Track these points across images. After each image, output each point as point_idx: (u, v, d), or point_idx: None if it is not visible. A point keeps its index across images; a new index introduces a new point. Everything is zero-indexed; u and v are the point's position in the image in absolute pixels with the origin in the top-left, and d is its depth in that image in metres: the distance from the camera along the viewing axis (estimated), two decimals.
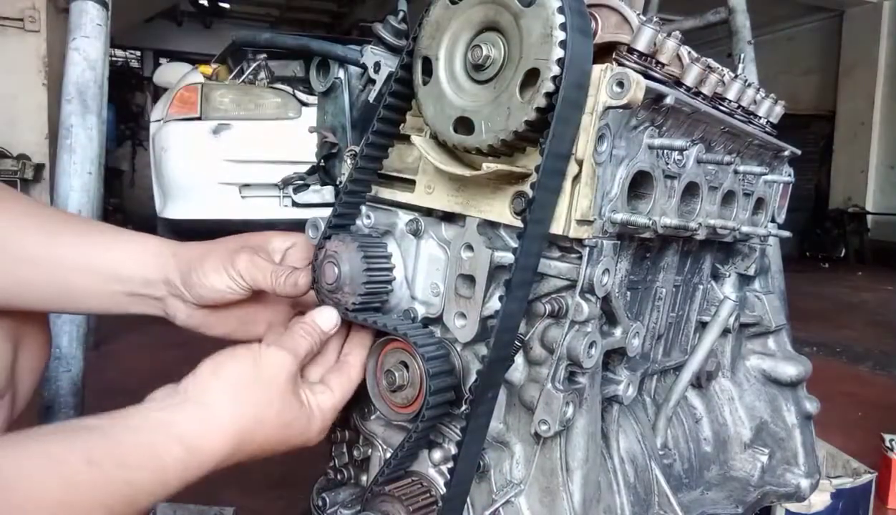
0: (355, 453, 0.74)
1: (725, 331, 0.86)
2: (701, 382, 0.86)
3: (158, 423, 0.55)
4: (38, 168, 4.10)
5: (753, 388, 0.89)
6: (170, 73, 3.92)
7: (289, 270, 0.69)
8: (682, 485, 0.78)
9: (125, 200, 8.07)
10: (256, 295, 0.72)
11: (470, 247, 0.63)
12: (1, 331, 0.72)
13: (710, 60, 0.74)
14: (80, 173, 1.48)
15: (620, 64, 0.62)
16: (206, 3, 8.68)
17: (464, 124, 0.59)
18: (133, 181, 8.51)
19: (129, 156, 8.68)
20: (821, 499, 0.89)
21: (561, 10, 0.53)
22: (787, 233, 0.89)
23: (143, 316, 0.73)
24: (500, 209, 0.62)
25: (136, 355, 2.60)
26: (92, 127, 1.51)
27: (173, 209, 3.03)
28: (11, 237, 0.66)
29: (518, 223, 0.59)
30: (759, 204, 0.89)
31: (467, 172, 0.61)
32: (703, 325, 0.87)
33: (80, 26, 1.52)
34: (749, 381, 0.90)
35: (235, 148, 2.98)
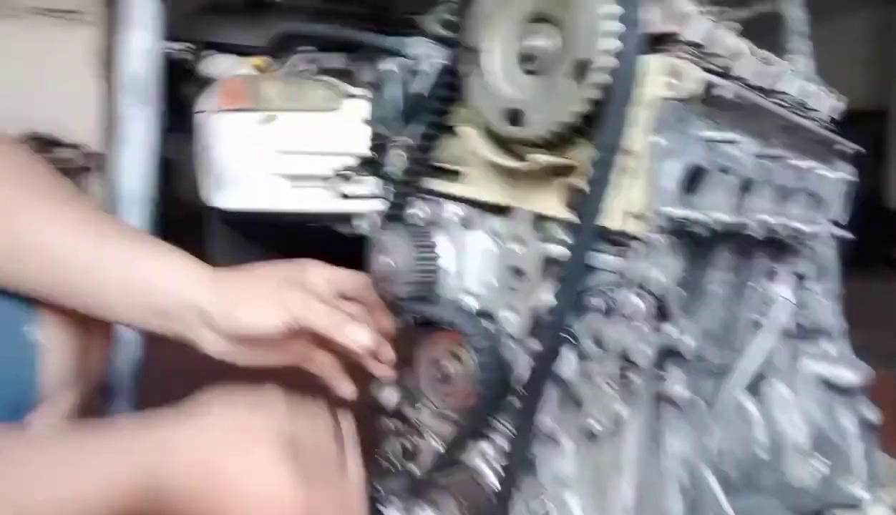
0: (405, 443, 0.75)
1: (781, 333, 0.84)
2: (756, 386, 0.84)
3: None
4: (92, 157, 4.23)
5: (811, 393, 0.87)
6: (219, 65, 3.99)
7: (348, 321, 0.67)
8: (734, 490, 0.76)
9: (173, 188, 8.27)
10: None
11: (520, 240, 0.63)
12: (74, 320, 0.75)
13: (767, 53, 0.72)
14: (134, 162, 1.52)
15: (675, 55, 0.60)
16: None
17: (514, 116, 0.59)
18: (181, 170, 8.71)
19: (177, 146, 8.88)
20: (880, 512, 0.86)
21: (615, 0, 0.53)
22: (846, 233, 0.86)
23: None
24: (551, 202, 0.62)
25: None
26: (146, 117, 1.55)
27: (222, 199, 3.08)
28: (63, 244, 0.66)
29: (569, 216, 0.59)
30: (818, 201, 0.86)
31: (518, 164, 0.61)
32: (757, 326, 0.85)
33: (135, 18, 1.56)
34: (806, 386, 0.87)
35: (283, 138, 3.02)
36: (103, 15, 4.07)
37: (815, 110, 0.82)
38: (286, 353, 0.72)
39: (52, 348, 0.71)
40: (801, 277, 0.88)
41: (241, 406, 0.60)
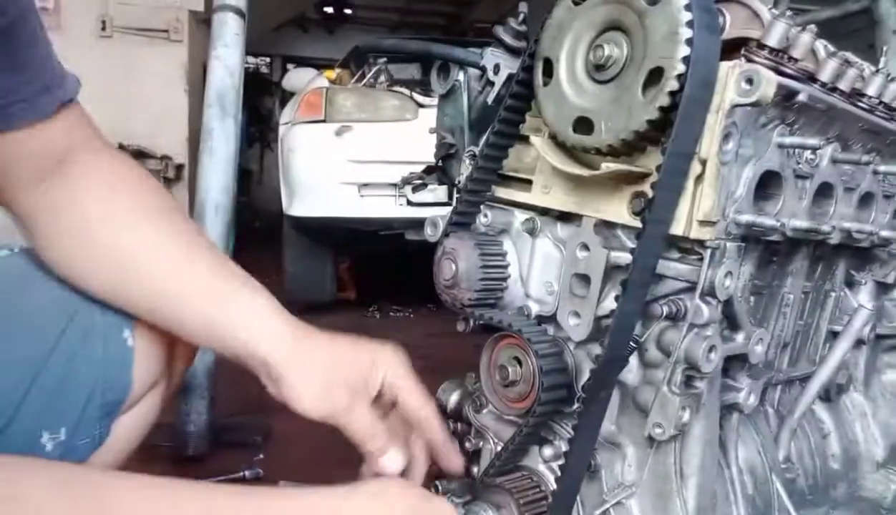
0: (467, 444, 0.76)
1: (859, 342, 0.81)
2: (830, 395, 0.81)
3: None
4: (179, 168, 4.45)
5: (889, 405, 0.83)
6: (297, 78, 4.13)
7: (383, 446, 0.67)
8: (805, 502, 0.74)
9: (253, 198, 8.59)
10: None
11: (586, 247, 0.63)
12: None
13: (847, 54, 0.70)
14: (218, 172, 1.60)
15: (750, 60, 0.60)
16: (331, 11, 9.08)
17: (583, 124, 0.60)
18: (261, 180, 9.03)
19: (258, 157, 9.23)
20: None
21: (688, 7, 0.52)
22: None
23: None
24: (617, 209, 0.62)
25: None
26: (230, 130, 1.63)
27: (298, 207, 3.19)
28: (149, 259, 0.69)
29: (636, 223, 0.59)
30: None
31: (586, 172, 0.61)
32: (834, 335, 0.82)
33: (220, 36, 1.65)
34: (885, 397, 0.84)
35: (356, 148, 3.10)
36: (191, 33, 4.29)
37: None
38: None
39: (144, 353, 0.76)
40: (882, 285, 0.84)
41: (415, 496, 0.62)
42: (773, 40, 0.60)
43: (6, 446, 0.63)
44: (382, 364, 0.70)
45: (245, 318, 0.68)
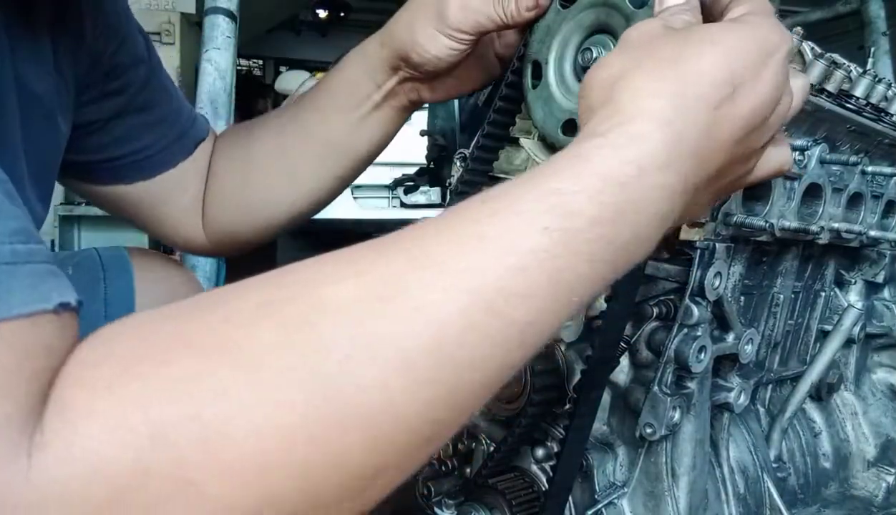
0: (459, 445, 0.76)
1: (849, 342, 0.81)
2: (821, 395, 0.82)
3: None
4: None
5: (880, 403, 0.84)
6: (290, 81, 4.12)
7: None
8: (796, 501, 0.74)
9: None
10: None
11: None
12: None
13: (835, 56, 0.70)
14: None
15: None
16: (324, 13, 9.05)
17: (572, 126, 0.60)
18: None
19: None
20: None
21: None
22: None
23: None
24: None
25: None
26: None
27: None
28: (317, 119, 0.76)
29: None
30: (891, 207, 0.83)
31: None
32: (824, 334, 0.83)
33: (212, 38, 1.64)
34: (875, 396, 0.84)
35: None
36: (183, 35, 4.27)
37: (890, 113, 0.79)
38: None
39: None
40: (872, 285, 0.85)
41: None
42: None
43: None
44: None
45: (357, 64, 0.74)
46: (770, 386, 0.80)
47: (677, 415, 0.59)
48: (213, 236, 0.83)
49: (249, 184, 0.79)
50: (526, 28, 0.64)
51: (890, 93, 0.79)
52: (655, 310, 0.60)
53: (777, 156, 0.49)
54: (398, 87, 0.72)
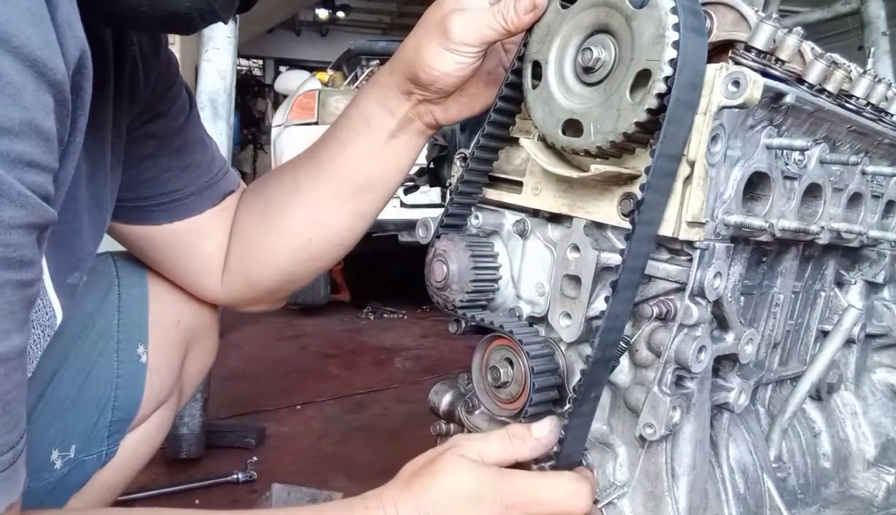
0: None
1: (849, 342, 0.81)
2: (821, 395, 0.82)
3: None
4: None
5: (880, 403, 0.84)
6: (289, 81, 4.13)
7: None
8: (796, 500, 0.74)
9: None
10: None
11: (576, 248, 0.64)
12: (176, 338, 0.81)
13: (835, 56, 0.70)
14: None
15: (737, 62, 0.60)
16: (324, 14, 9.08)
17: (573, 126, 0.60)
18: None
19: (250, 159, 9.22)
20: None
21: (674, 11, 0.53)
22: None
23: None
24: (607, 210, 0.62)
25: (255, 345, 2.76)
26: (222, 132, 1.63)
27: None
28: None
29: (626, 224, 0.59)
30: (891, 207, 0.83)
31: (575, 174, 0.61)
32: (824, 335, 0.83)
33: (212, 39, 1.64)
34: (875, 396, 0.84)
35: None
36: (183, 36, 4.27)
37: (890, 113, 0.79)
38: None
39: (157, 369, 0.77)
40: (871, 285, 0.85)
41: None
42: (759, 42, 0.60)
43: None
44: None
45: (373, 97, 0.75)
46: (770, 386, 0.81)
47: (677, 415, 0.59)
48: (232, 290, 0.83)
49: (267, 228, 0.79)
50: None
51: (890, 93, 0.79)
52: (655, 310, 0.60)
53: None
54: (412, 112, 0.72)
